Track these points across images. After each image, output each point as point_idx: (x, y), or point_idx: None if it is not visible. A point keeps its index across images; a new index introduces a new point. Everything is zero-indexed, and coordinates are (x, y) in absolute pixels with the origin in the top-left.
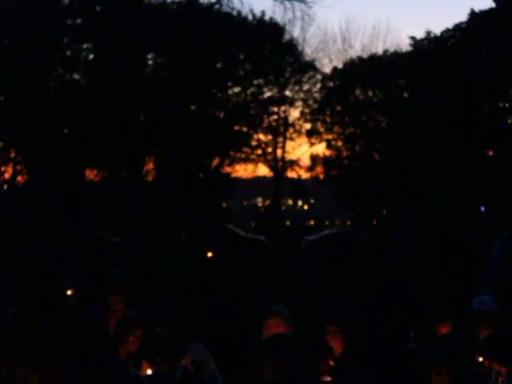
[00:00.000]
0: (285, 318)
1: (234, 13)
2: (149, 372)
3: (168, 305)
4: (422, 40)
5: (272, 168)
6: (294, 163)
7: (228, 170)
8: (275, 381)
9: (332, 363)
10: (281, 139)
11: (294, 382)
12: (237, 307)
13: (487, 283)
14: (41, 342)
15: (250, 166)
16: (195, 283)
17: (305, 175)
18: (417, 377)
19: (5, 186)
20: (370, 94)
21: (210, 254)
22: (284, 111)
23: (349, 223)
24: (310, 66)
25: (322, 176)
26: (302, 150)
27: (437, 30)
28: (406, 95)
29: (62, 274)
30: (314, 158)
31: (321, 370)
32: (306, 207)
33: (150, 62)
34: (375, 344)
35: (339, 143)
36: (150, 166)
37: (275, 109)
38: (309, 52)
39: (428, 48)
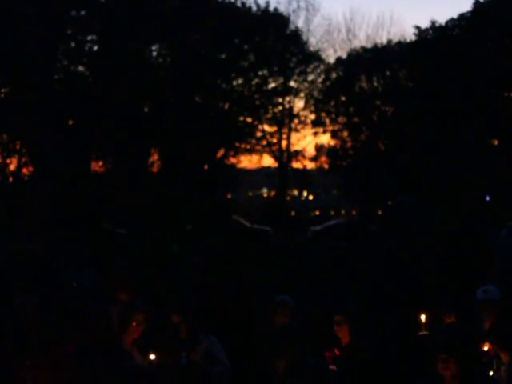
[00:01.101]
0: (290, 308)
1: (238, 3)
2: (152, 358)
3: (183, 295)
4: (426, 30)
5: (277, 158)
6: (298, 154)
7: (233, 160)
8: (287, 370)
9: (337, 353)
10: (285, 130)
11: (307, 371)
12: (243, 298)
13: (494, 271)
14: (47, 333)
15: (255, 157)
16: (201, 275)
17: (310, 165)
18: (424, 365)
19: (10, 178)
20: (375, 83)
21: (216, 245)
22: (289, 102)
23: (354, 213)
24: (315, 57)
25: (326, 166)
26: (306, 141)
27: (441, 20)
28: (410, 85)
29: (67, 265)
30: (319, 149)
31: (327, 360)
32: (311, 197)
33: (155, 54)
34: (382, 334)
35: (344, 133)
36: (155, 157)
37: (280, 99)
38: (313, 42)
39: (432, 37)
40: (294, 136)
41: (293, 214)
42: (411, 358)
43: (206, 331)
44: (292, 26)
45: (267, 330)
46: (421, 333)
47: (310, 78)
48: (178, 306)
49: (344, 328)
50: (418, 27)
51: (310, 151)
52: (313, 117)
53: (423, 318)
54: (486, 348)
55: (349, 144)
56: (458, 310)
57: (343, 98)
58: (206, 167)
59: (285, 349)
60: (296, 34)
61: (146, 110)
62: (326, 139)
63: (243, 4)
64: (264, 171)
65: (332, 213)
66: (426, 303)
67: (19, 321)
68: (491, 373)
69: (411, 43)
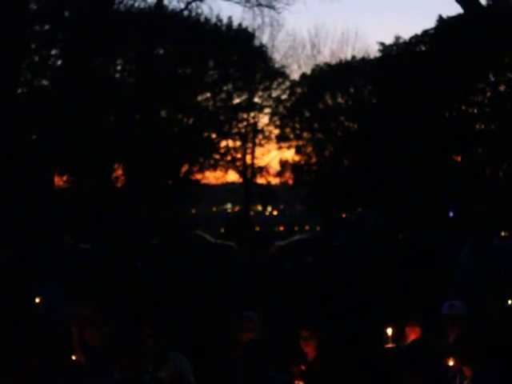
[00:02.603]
0: (256, 323)
1: (203, 19)
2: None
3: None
4: (390, 46)
5: (241, 174)
6: (263, 169)
7: (198, 176)
8: None
9: (304, 368)
10: (250, 145)
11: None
12: (208, 314)
13: (455, 287)
14: (12, 346)
15: (220, 173)
16: (167, 291)
17: (274, 181)
18: (390, 379)
19: None
20: (339, 99)
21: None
22: (253, 117)
23: (318, 229)
24: (280, 73)
25: (291, 182)
26: (271, 156)
27: (406, 36)
28: (374, 101)
29: (30, 280)
30: (284, 164)
31: (293, 374)
32: (275, 213)
33: (119, 68)
34: (348, 349)
35: (308, 149)
36: (119, 172)
37: (244, 115)
38: (278, 58)
39: (397, 53)
40: (259, 151)
41: (257, 229)
42: (377, 371)
43: (174, 349)
44: (257, 42)
45: (233, 344)
46: (387, 346)
47: (275, 93)
48: (148, 321)
49: (311, 343)
50: (382, 43)
51: (275, 167)
52: (277, 132)
53: (389, 331)
54: (450, 363)
55: (313, 159)
56: (422, 324)
57: (308, 114)
58: (170, 182)
59: (249, 363)
60: (261, 49)
61: (110, 124)
62: (290, 155)
63: (207, 20)
64: (228, 186)
65: (296, 228)
66: (390, 317)
67: None
68: None
69: (375, 59)
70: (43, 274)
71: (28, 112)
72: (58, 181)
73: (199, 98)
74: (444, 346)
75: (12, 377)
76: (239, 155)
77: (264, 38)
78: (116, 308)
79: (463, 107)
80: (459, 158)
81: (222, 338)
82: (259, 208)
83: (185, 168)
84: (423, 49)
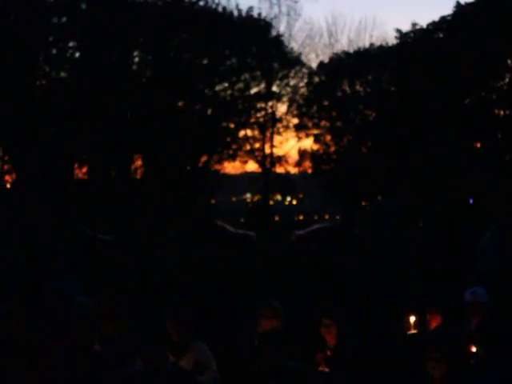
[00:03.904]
0: (278, 312)
1: (220, 9)
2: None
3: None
4: (408, 33)
5: (260, 163)
6: (282, 158)
7: (217, 167)
8: (271, 373)
9: (329, 354)
10: (268, 134)
11: (289, 373)
12: (230, 303)
13: (477, 274)
14: (31, 338)
15: (239, 163)
16: (186, 281)
17: (293, 170)
18: (414, 364)
19: None
20: (358, 87)
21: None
22: (271, 106)
23: (338, 218)
24: (297, 61)
25: (310, 171)
26: (289, 145)
27: (423, 23)
28: (392, 88)
29: (50, 273)
30: (302, 153)
31: (318, 361)
32: (294, 202)
33: (136, 59)
34: (369, 335)
35: (327, 137)
36: (138, 163)
37: (262, 104)
38: (295, 47)
39: (414, 41)
40: (277, 140)
41: (276, 218)
42: (401, 358)
43: (195, 337)
44: (274, 31)
45: (254, 334)
46: (410, 332)
47: (293, 82)
48: (169, 310)
49: (332, 330)
50: (399, 30)
51: (294, 156)
52: (296, 121)
53: (412, 318)
54: (473, 349)
55: (332, 148)
56: (444, 310)
57: (326, 103)
58: (189, 173)
59: (270, 353)
60: (278, 38)
61: (128, 115)
62: (309, 144)
63: (224, 9)
64: (247, 176)
65: (316, 217)
66: (412, 304)
67: (5, 325)
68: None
69: (393, 47)
70: (61, 266)
71: (47, 104)
72: (78, 173)
73: (217, 87)
74: (466, 333)
75: (34, 367)
76: (258, 145)
77: (281, 27)
78: (136, 298)
79: (482, 93)
80: (479, 145)
81: (244, 326)
82: (278, 197)
83: (204, 158)
84: (441, 36)
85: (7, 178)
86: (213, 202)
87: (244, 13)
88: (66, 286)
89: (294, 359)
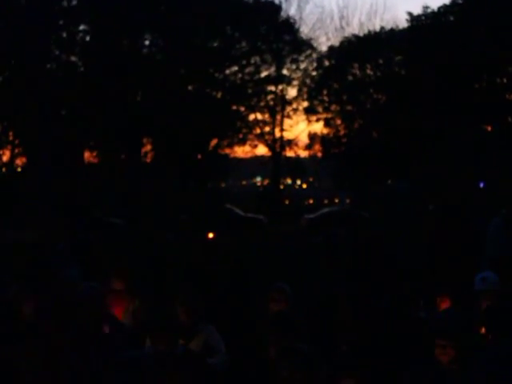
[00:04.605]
0: (286, 295)
1: None
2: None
3: (182, 283)
4: (419, 16)
5: (270, 147)
6: (291, 142)
7: (227, 150)
8: (279, 355)
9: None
10: (279, 118)
11: (297, 355)
12: (241, 286)
13: (487, 258)
14: (43, 320)
15: (248, 147)
16: (198, 264)
17: (303, 154)
18: (421, 349)
19: (3, 169)
20: (368, 71)
21: (210, 235)
22: (281, 90)
23: (348, 201)
24: (307, 45)
25: (320, 155)
26: (299, 129)
27: (434, 6)
28: (403, 72)
29: (60, 255)
30: (312, 137)
31: (339, 341)
32: (304, 186)
33: (147, 43)
34: (382, 318)
35: (337, 121)
36: (148, 147)
37: (272, 88)
38: (306, 30)
39: (425, 24)
40: (287, 124)
41: (287, 202)
42: (409, 342)
43: (205, 320)
44: (284, 15)
45: (264, 316)
46: (419, 316)
47: (303, 66)
48: (180, 293)
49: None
50: (410, 14)
51: (304, 140)
52: (306, 104)
53: (422, 302)
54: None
55: (342, 132)
56: (453, 294)
57: (336, 86)
58: (199, 157)
59: (278, 335)
60: (288, 22)
61: (138, 99)
62: (319, 127)
63: None
64: (258, 160)
65: (326, 201)
66: (422, 289)
67: (15, 308)
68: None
69: (404, 30)
70: (65, 252)
71: (57, 87)
72: (88, 156)
73: (227, 71)
74: (477, 317)
75: (44, 350)
76: (268, 128)
77: (291, 10)
78: (146, 281)
79: (493, 78)
80: (489, 129)
81: (254, 309)
82: (288, 181)
83: (214, 142)
84: (452, 19)
85: (18, 161)
86: (223, 185)
87: None
88: (70, 272)
89: (301, 342)
